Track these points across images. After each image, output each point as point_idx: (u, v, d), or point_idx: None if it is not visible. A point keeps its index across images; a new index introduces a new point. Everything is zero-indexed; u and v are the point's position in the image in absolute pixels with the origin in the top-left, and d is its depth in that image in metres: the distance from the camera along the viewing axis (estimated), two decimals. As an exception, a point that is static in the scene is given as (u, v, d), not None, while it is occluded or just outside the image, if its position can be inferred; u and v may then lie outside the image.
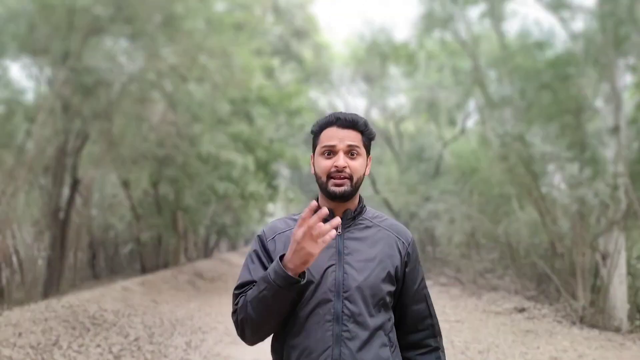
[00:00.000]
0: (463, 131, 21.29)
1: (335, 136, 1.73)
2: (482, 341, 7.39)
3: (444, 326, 8.63)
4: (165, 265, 17.58)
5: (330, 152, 1.73)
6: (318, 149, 1.77)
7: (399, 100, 27.76)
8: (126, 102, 12.39)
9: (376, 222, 1.85)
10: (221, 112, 11.76)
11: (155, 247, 16.46)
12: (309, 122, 14.26)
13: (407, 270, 1.82)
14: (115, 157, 13.47)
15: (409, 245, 1.84)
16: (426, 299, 1.91)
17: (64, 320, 6.33)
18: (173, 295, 11.18)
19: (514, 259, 12.37)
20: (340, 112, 1.79)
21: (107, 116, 11.38)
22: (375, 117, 25.63)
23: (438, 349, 1.88)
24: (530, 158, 11.77)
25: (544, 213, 11.67)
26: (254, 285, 1.69)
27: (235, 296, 1.76)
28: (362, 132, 1.77)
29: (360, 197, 1.84)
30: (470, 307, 10.68)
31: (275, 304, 1.62)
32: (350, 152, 1.73)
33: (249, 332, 1.71)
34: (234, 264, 26.69)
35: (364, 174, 1.80)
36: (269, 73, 16.65)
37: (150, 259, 16.27)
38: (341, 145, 1.72)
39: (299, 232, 1.54)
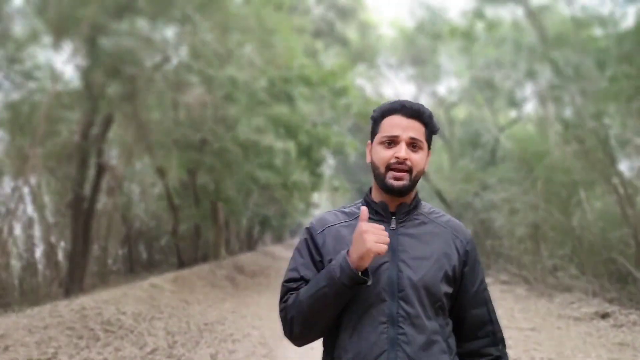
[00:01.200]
0: (519, 116, 19.65)
1: (398, 125, 1.63)
2: (569, 357, 6.06)
3: (517, 336, 7.33)
4: (205, 259, 16.81)
5: (392, 142, 1.63)
6: (378, 136, 1.67)
7: (450, 83, 26.16)
8: (159, 84, 11.54)
9: (432, 217, 1.74)
10: (259, 92, 10.70)
11: (193, 239, 15.67)
12: (355, 103, 13.05)
13: (465, 270, 1.70)
14: (148, 143, 12.69)
15: (467, 243, 1.72)
16: (486, 302, 1.75)
17: (69, 327, 5.41)
18: (207, 294, 10.26)
19: (589, 255, 10.85)
20: (406, 100, 1.68)
21: (135, 99, 10.52)
22: (424, 103, 24.23)
23: (500, 358, 1.73)
24: (607, 140, 10.23)
25: (624, 202, 10.15)
26: (303, 283, 1.66)
27: (285, 292, 1.69)
28: (426, 125, 1.66)
29: (416, 191, 1.73)
30: (543, 311, 9.28)
31: (337, 302, 1.56)
32: (413, 143, 1.63)
33: (299, 330, 1.63)
34: (278, 256, 25.83)
35: (423, 169, 1.67)
36: (312, 56, 15.53)
37: (187, 252, 15.50)
38: (404, 136, 1.62)
39: (363, 225, 1.52)
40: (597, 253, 10.77)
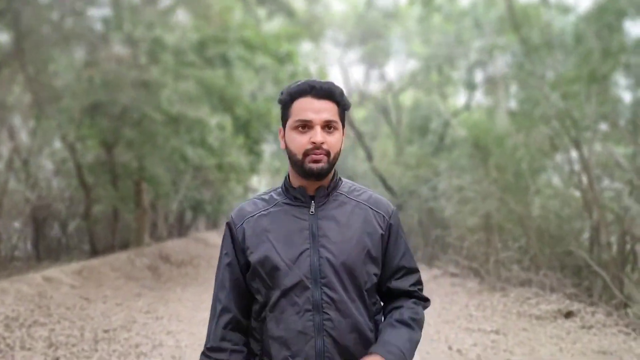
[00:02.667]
0: (470, 102, 18.96)
1: (310, 108, 1.56)
2: (549, 373, 5.02)
3: (483, 341, 6.30)
4: (125, 246, 15.07)
5: (305, 125, 1.57)
6: (290, 122, 1.60)
7: (400, 67, 25.28)
8: (67, 37, 9.76)
9: (353, 196, 1.69)
10: (187, 52, 9.14)
11: (110, 224, 13.89)
12: (302, 73, 11.66)
13: (388, 244, 1.69)
14: (56, 110, 10.87)
15: (390, 217, 1.70)
16: (411, 271, 1.74)
17: None
18: (118, 289, 8.69)
19: (544, 247, 10.06)
20: (315, 80, 1.60)
21: (27, 52, 8.74)
22: (371, 89, 23.27)
23: (410, 308, 1.70)
24: (574, 124, 9.41)
25: (586, 191, 9.39)
26: (228, 315, 1.66)
27: (216, 309, 1.67)
28: (338, 103, 1.60)
29: (335, 171, 1.67)
30: (500, 308, 8.34)
31: None
32: (327, 125, 1.57)
33: None
34: (211, 243, 24.15)
35: (340, 149, 1.63)
36: (254, 26, 14.01)
37: (104, 238, 13.71)
38: (318, 119, 1.55)
39: None
40: (553, 245, 10.00)
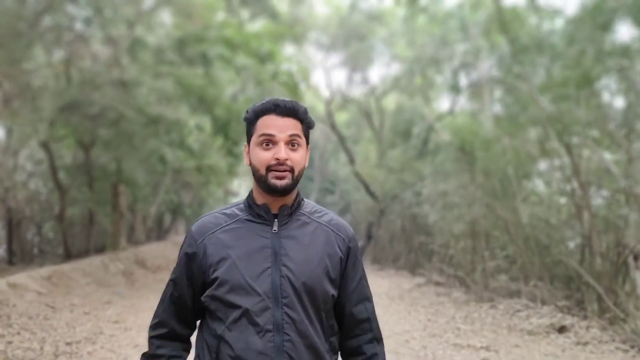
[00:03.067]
0: (453, 106, 18.78)
1: (274, 125, 1.57)
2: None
3: (470, 357, 5.97)
4: (100, 250, 14.54)
5: (269, 142, 1.57)
6: (254, 138, 1.60)
7: (382, 71, 25.08)
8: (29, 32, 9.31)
9: (315, 217, 1.69)
10: (166, 51, 8.74)
11: (85, 227, 13.37)
12: (284, 73, 11.30)
13: (347, 267, 1.69)
14: (30, 109, 10.39)
15: (349, 241, 1.71)
16: (366, 299, 1.73)
17: None
18: (88, 296, 8.22)
19: (533, 257, 9.82)
20: (279, 99, 1.61)
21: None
22: (354, 93, 23.00)
23: (377, 355, 1.72)
24: (566, 127, 9.18)
25: (577, 199, 9.17)
26: (166, 333, 1.68)
27: (150, 341, 1.69)
28: (302, 121, 1.61)
29: (297, 190, 1.67)
30: (489, 321, 8.05)
31: None
32: (291, 142, 1.58)
33: None
34: (190, 248, 23.71)
35: (304, 166, 1.63)
36: (237, 26, 13.63)
37: (78, 241, 13.18)
38: (282, 135, 1.56)
39: None
40: (543, 254, 9.77)
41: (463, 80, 16.94)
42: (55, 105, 10.68)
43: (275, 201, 1.62)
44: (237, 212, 1.67)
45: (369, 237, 21.43)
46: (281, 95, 18.07)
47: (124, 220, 15.31)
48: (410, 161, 14.88)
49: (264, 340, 1.53)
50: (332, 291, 1.64)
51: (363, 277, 1.74)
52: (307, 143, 1.65)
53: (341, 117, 24.85)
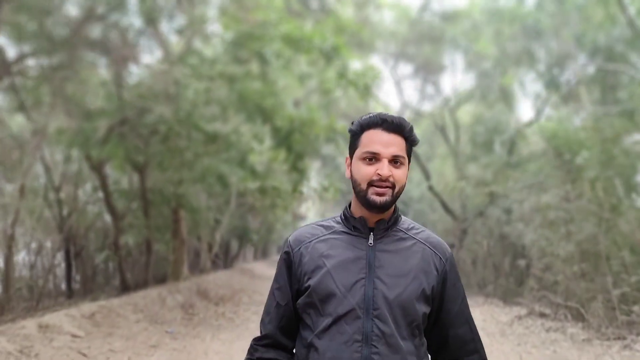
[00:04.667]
0: (539, 116, 16.80)
1: (379, 141, 1.60)
2: None
3: None
4: (161, 281, 13.63)
5: (373, 158, 1.60)
6: (358, 152, 1.64)
7: (458, 80, 23.44)
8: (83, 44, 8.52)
9: (411, 234, 1.70)
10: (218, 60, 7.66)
11: (143, 256, 12.48)
12: (353, 73, 9.94)
13: (445, 288, 1.67)
14: (77, 128, 9.63)
15: (446, 261, 1.70)
16: (469, 321, 1.72)
17: None
18: (133, 338, 7.07)
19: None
20: (386, 114, 1.64)
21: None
22: (425, 107, 21.48)
23: None
24: None
25: None
26: (268, 340, 1.71)
27: (254, 347, 1.74)
28: (406, 138, 1.64)
29: (395, 206, 1.69)
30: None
31: None
32: (395, 160, 1.61)
33: None
34: (258, 274, 22.57)
35: (404, 184, 1.65)
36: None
37: (137, 272, 12.29)
38: (386, 153, 1.59)
39: None
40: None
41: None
42: (106, 124, 9.88)
43: (373, 215, 1.63)
44: (333, 224, 1.70)
45: (449, 260, 19.56)
46: (352, 99, 16.83)
47: (185, 247, 14.37)
48: (498, 173, 13.01)
49: (351, 350, 1.53)
50: (425, 309, 1.62)
51: (464, 298, 1.73)
52: (409, 161, 1.65)
53: (413, 133, 23.25)
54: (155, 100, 9.54)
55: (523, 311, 10.53)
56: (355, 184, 1.61)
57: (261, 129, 9.05)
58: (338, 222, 1.69)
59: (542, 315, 9.86)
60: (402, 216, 1.72)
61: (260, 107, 9.19)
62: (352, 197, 1.68)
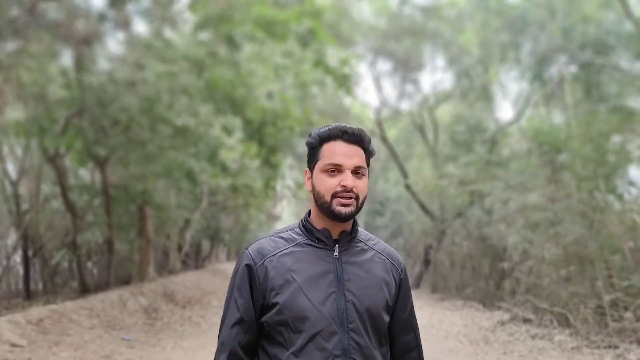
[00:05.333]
0: (520, 115, 16.48)
1: (341, 152, 1.59)
2: None
3: None
4: (125, 282, 12.85)
5: (336, 170, 1.59)
6: (320, 164, 1.61)
7: (437, 78, 23.12)
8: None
9: (370, 245, 1.72)
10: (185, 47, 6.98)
11: (105, 256, 11.69)
12: (330, 58, 9.31)
13: (399, 297, 1.72)
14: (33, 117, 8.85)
15: (402, 271, 1.74)
16: (414, 329, 1.78)
17: None
18: (86, 345, 6.35)
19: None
20: (346, 125, 1.63)
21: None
22: (404, 106, 21.07)
23: None
24: None
25: None
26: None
27: (219, 348, 1.63)
28: (365, 149, 1.64)
29: (354, 218, 1.68)
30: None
31: None
32: (357, 171, 1.60)
33: None
34: (230, 275, 21.79)
35: (366, 195, 1.64)
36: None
37: (97, 273, 11.49)
38: (348, 164, 1.58)
39: None
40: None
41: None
42: (64, 113, 9.11)
43: (335, 226, 1.63)
44: (294, 235, 1.67)
45: (426, 262, 19.08)
46: (329, 97, 16.23)
47: (151, 247, 13.60)
48: (481, 171, 12.56)
49: None
50: (387, 318, 1.66)
51: (412, 307, 1.78)
52: (369, 172, 1.66)
53: (389, 134, 22.82)
54: (117, 87, 8.80)
55: (505, 316, 10.07)
56: (317, 196, 1.60)
57: (231, 121, 8.35)
58: (299, 234, 1.66)
59: (526, 320, 9.40)
60: (359, 228, 1.72)
61: (231, 98, 8.52)
62: (311, 208, 1.68)
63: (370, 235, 1.76)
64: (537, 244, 10.05)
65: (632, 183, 10.04)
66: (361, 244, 1.68)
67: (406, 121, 23.10)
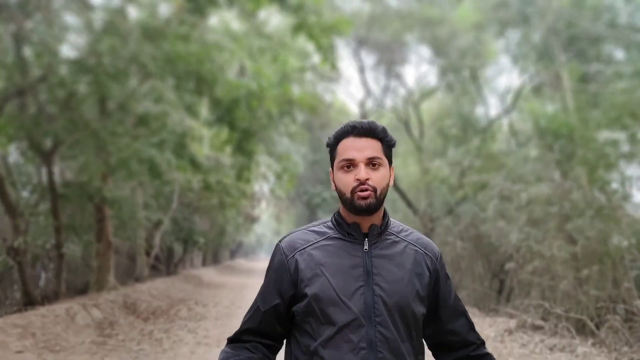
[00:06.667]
0: (513, 105, 15.48)
1: (353, 147, 1.63)
2: None
3: None
4: (83, 292, 11.47)
5: (350, 165, 1.62)
6: (336, 163, 1.67)
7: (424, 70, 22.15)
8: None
9: (402, 236, 1.73)
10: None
11: (53, 263, 10.26)
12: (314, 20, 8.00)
13: (439, 286, 1.74)
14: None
15: (437, 260, 1.74)
16: (464, 312, 1.80)
17: None
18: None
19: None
20: (356, 121, 1.70)
21: None
22: (388, 102, 20.01)
23: (489, 355, 1.77)
24: None
25: None
26: (252, 340, 1.70)
27: (237, 334, 1.73)
28: (381, 140, 1.66)
29: (385, 210, 1.72)
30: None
31: None
32: (372, 163, 1.62)
33: None
34: (205, 282, 20.38)
35: (387, 185, 1.67)
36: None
37: (44, 282, 10.05)
38: (361, 157, 1.62)
39: None
40: None
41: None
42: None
43: (364, 220, 1.65)
44: (326, 229, 1.71)
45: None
46: (309, 83, 14.99)
47: (111, 251, 12.18)
48: (489, 159, 11.41)
49: (358, 358, 1.54)
50: (422, 310, 1.66)
51: (456, 293, 1.78)
52: (390, 162, 1.68)
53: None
54: (64, 64, 7.45)
55: (511, 323, 8.92)
56: (340, 194, 1.64)
57: (196, 100, 7.08)
58: (330, 228, 1.70)
59: (536, 328, 8.25)
60: (391, 219, 1.72)
61: (195, 73, 7.24)
62: (339, 206, 1.70)
63: (404, 226, 1.76)
64: (544, 241, 8.92)
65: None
66: (392, 237, 1.69)
67: (389, 117, 22.13)
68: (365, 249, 1.62)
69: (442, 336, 1.74)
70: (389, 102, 20.74)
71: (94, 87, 7.59)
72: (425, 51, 19.41)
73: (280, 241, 1.72)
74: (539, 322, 8.35)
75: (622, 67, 11.07)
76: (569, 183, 8.15)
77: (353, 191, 1.58)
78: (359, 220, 1.64)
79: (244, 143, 8.79)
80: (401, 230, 1.72)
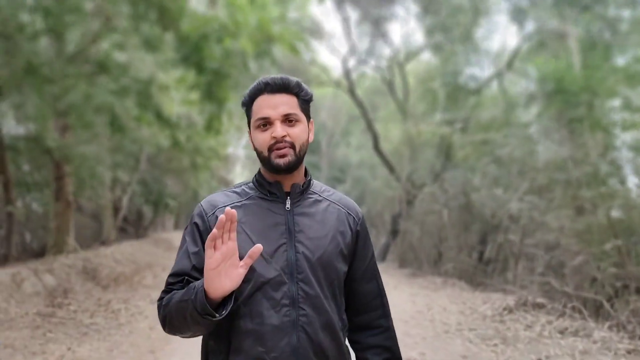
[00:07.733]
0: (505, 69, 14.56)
1: (267, 105, 1.55)
2: None
3: None
4: (39, 255, 10.41)
5: (266, 123, 1.56)
6: (252, 122, 1.60)
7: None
8: None
9: (325, 196, 1.71)
10: None
11: (4, 223, 9.14)
12: None
13: (357, 246, 1.71)
14: None
15: (359, 220, 1.73)
16: (376, 276, 1.77)
17: None
18: None
19: None
20: (268, 77, 1.59)
21: None
22: (373, 59, 18.91)
23: (389, 329, 1.75)
24: None
25: None
26: (188, 280, 1.53)
27: (168, 285, 1.57)
28: (296, 95, 1.59)
29: (306, 169, 1.68)
30: None
31: (193, 324, 1.45)
32: (288, 119, 1.56)
33: (170, 331, 1.57)
34: (175, 246, 19.34)
35: (307, 141, 1.62)
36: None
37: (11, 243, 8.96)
38: (275, 115, 1.55)
39: (210, 261, 1.36)
40: None
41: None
42: None
43: (286, 179, 1.61)
44: (247, 190, 1.65)
45: (394, 232, 17.13)
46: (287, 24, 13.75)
47: (71, 212, 11.06)
48: (494, 119, 10.49)
49: (280, 315, 1.51)
50: (344, 268, 1.64)
51: (373, 255, 1.76)
52: (308, 117, 1.62)
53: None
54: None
55: (510, 300, 8.16)
56: (258, 153, 1.59)
57: (158, 34, 5.94)
58: (251, 188, 1.64)
59: (538, 306, 7.50)
60: (314, 179, 1.71)
61: (158, 3, 6.06)
62: (259, 166, 1.66)
63: (326, 187, 1.73)
64: (548, 212, 8.12)
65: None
66: (315, 195, 1.66)
67: (372, 79, 21.10)
68: (287, 208, 1.59)
69: (349, 296, 1.70)
70: (373, 62, 19.67)
71: (43, 20, 6.37)
72: (413, 7, 18.36)
73: (200, 202, 1.65)
74: (540, 300, 7.61)
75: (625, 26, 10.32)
76: (584, 147, 7.28)
77: (270, 149, 1.54)
78: (280, 179, 1.60)
79: (214, 87, 7.60)
80: (324, 190, 1.71)
